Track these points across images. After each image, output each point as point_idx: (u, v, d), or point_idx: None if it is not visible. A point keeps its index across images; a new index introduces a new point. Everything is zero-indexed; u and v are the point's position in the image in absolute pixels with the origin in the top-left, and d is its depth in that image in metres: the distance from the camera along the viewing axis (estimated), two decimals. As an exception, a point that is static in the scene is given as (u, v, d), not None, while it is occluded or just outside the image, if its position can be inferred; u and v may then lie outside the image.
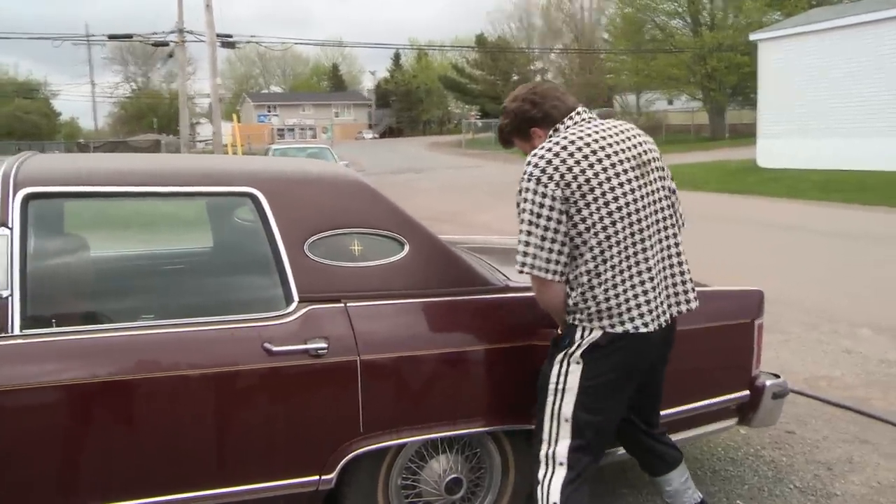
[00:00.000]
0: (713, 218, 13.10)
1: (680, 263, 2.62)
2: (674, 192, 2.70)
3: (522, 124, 2.67)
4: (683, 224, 2.73)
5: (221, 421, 2.49)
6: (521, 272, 2.51)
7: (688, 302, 2.63)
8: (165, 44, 28.67)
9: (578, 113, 2.62)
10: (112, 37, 30.79)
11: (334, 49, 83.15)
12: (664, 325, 2.54)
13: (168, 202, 2.64)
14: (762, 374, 3.37)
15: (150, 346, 2.44)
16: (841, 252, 10.24)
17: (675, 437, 3.00)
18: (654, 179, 2.57)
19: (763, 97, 23.66)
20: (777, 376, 3.41)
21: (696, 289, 2.70)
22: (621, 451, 2.98)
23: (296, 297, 2.61)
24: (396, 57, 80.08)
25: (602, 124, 2.58)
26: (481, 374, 2.77)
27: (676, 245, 2.62)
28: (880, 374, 5.28)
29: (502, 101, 2.81)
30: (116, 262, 2.77)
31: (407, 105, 77.21)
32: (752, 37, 24.40)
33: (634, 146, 2.55)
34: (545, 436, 2.56)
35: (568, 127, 2.57)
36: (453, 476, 2.84)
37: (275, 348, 2.49)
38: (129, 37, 29.35)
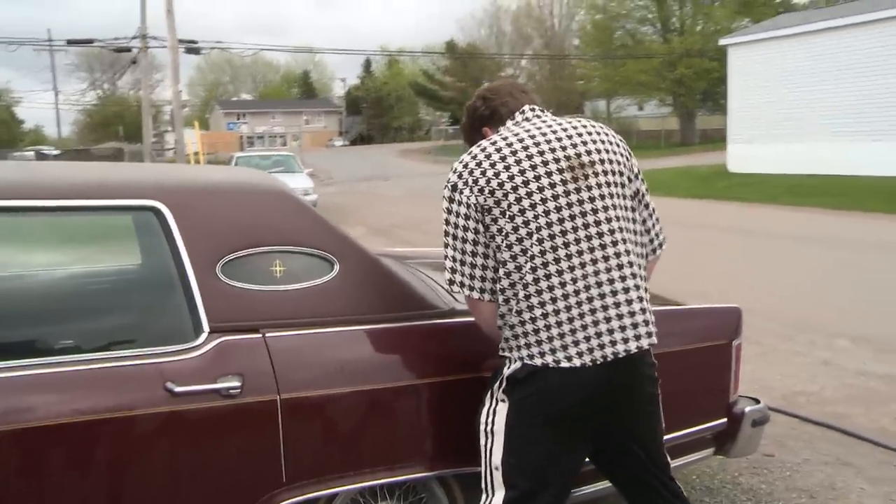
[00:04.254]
0: (682, 224, 12.84)
1: (635, 288, 2.13)
2: (644, 204, 2.32)
3: (475, 122, 2.40)
4: (660, 246, 2.38)
5: (115, 477, 2.11)
6: (450, 290, 2.24)
7: (637, 338, 2.11)
8: (128, 49, 27.93)
9: (522, 112, 2.28)
10: (72, 42, 30.07)
11: (306, 57, 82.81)
12: (602, 361, 2.07)
13: (54, 218, 2.27)
14: (741, 398, 3.08)
15: (22, 389, 2.05)
16: (814, 258, 10.01)
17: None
18: (596, 185, 2.12)
19: (732, 102, 23.69)
20: (757, 401, 3.13)
21: (663, 310, 2.35)
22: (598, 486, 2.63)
23: (206, 328, 2.24)
24: (367, 64, 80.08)
25: (546, 123, 2.21)
26: (423, 412, 2.44)
27: (629, 265, 2.13)
28: (860, 388, 5.03)
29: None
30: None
31: (378, 112, 76.87)
32: (722, 42, 24.48)
33: (574, 145, 2.14)
34: (483, 485, 2.23)
35: (508, 127, 2.25)
36: (393, 526, 2.49)
37: (178, 388, 2.13)
38: (90, 42, 28.64)
